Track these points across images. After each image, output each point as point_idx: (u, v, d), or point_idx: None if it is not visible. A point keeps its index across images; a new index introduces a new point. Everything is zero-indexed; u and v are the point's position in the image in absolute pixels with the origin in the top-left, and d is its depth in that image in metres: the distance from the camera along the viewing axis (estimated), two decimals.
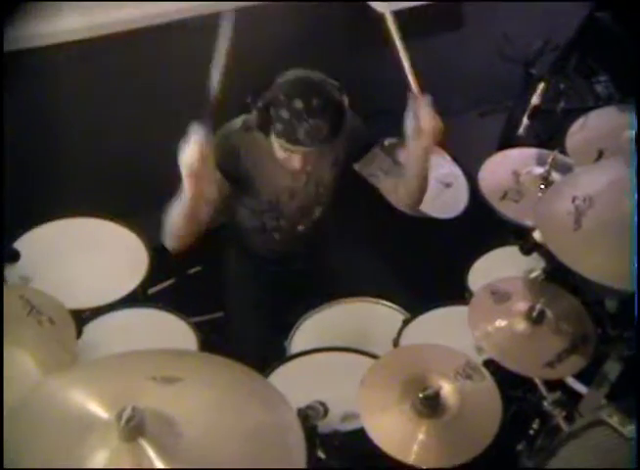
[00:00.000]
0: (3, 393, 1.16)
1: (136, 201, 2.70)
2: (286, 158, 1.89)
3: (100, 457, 1.05)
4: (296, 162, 1.87)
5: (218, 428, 1.16)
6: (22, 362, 1.38)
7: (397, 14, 2.81)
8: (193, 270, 2.81)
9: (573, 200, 1.63)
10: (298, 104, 1.76)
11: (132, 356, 1.31)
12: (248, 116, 1.97)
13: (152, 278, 2.18)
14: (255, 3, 2.68)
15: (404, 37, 3.18)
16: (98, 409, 1.11)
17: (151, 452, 1.05)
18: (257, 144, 1.93)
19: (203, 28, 2.61)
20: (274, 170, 2.00)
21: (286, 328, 2.09)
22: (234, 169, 1.97)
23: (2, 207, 1.86)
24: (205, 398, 1.20)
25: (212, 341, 2.05)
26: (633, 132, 2.05)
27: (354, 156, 2.11)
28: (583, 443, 1.55)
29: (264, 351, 2.06)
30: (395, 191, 2.10)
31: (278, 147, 1.86)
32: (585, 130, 2.18)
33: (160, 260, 2.20)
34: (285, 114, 1.76)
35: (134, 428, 1.05)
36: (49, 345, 1.52)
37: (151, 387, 1.17)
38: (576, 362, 1.64)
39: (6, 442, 1.04)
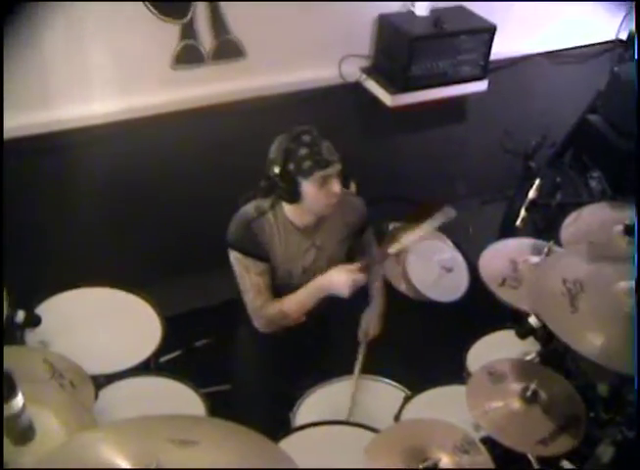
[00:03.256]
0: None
1: (150, 272, 2.82)
2: (320, 200, 2.05)
3: None
4: (335, 186, 2.04)
5: None
6: (48, 422, 1.45)
7: (406, 107, 3.03)
8: (201, 342, 2.90)
9: (564, 282, 1.74)
10: (306, 137, 1.99)
11: (153, 420, 1.38)
12: (258, 201, 2.17)
13: (163, 347, 2.27)
14: (271, 92, 2.89)
15: (412, 129, 3.39)
16: (122, 466, 1.19)
17: None
18: (270, 225, 2.13)
19: (214, 117, 2.81)
20: (288, 247, 2.17)
21: (291, 401, 2.17)
22: (263, 253, 2.14)
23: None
24: (220, 461, 1.27)
25: (219, 412, 2.12)
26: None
27: (358, 233, 2.33)
28: None
29: (270, 422, 2.11)
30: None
31: (312, 193, 2.02)
32: (578, 224, 2.29)
33: (171, 331, 2.30)
34: (303, 151, 1.97)
35: None
36: (71, 406, 1.59)
37: (170, 448, 1.25)
38: (568, 442, 1.71)
39: None
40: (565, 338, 1.64)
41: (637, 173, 2.43)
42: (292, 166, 1.99)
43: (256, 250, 2.12)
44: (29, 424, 1.18)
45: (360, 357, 2.29)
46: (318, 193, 2.03)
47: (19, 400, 1.14)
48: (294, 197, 2.04)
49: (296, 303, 2.17)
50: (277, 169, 2.00)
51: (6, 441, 1.19)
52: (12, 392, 1.12)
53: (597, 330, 1.65)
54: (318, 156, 1.98)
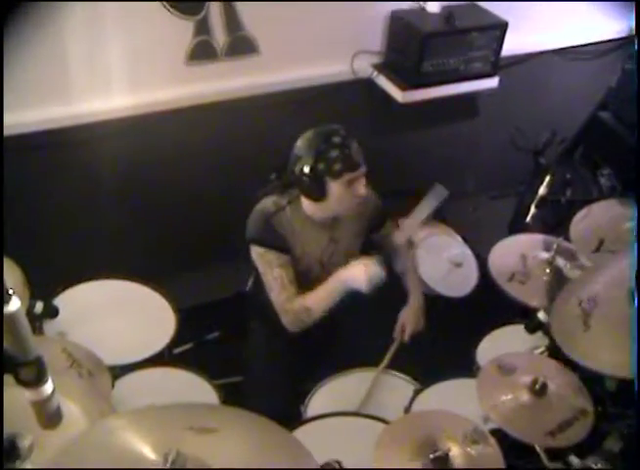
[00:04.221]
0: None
1: (164, 264, 2.87)
2: (345, 201, 2.08)
3: None
4: (362, 188, 2.08)
5: None
6: (69, 409, 1.49)
7: (418, 104, 3.05)
8: (213, 335, 2.94)
9: (580, 303, 1.78)
10: (337, 139, 2.02)
11: (172, 408, 1.43)
12: (275, 197, 2.18)
13: (176, 339, 2.31)
14: (283, 88, 2.92)
15: (423, 125, 3.40)
16: (144, 452, 1.23)
17: None
18: (288, 220, 2.15)
19: (227, 112, 2.84)
20: (307, 242, 2.19)
21: (303, 394, 2.20)
22: (284, 245, 2.15)
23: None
24: (239, 448, 1.31)
25: (231, 403, 2.16)
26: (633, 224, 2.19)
27: (374, 228, 2.36)
28: None
29: (281, 414, 2.13)
30: None
31: (339, 193, 2.05)
32: (588, 220, 2.32)
33: (184, 322, 2.34)
34: (334, 153, 2.00)
35: None
36: (90, 394, 1.63)
37: (190, 436, 1.28)
38: (576, 433, 1.74)
39: None
40: (577, 357, 1.70)
41: (637, 165, 2.45)
42: (321, 166, 2.01)
43: (277, 242, 2.13)
44: (58, 408, 1.23)
45: (390, 354, 2.30)
46: (344, 193, 2.06)
47: (49, 385, 1.19)
48: (319, 195, 2.07)
49: (318, 298, 2.15)
50: (306, 169, 2.01)
51: (35, 423, 1.24)
52: (43, 376, 1.17)
53: (607, 344, 1.70)
54: (349, 158, 2.01)
